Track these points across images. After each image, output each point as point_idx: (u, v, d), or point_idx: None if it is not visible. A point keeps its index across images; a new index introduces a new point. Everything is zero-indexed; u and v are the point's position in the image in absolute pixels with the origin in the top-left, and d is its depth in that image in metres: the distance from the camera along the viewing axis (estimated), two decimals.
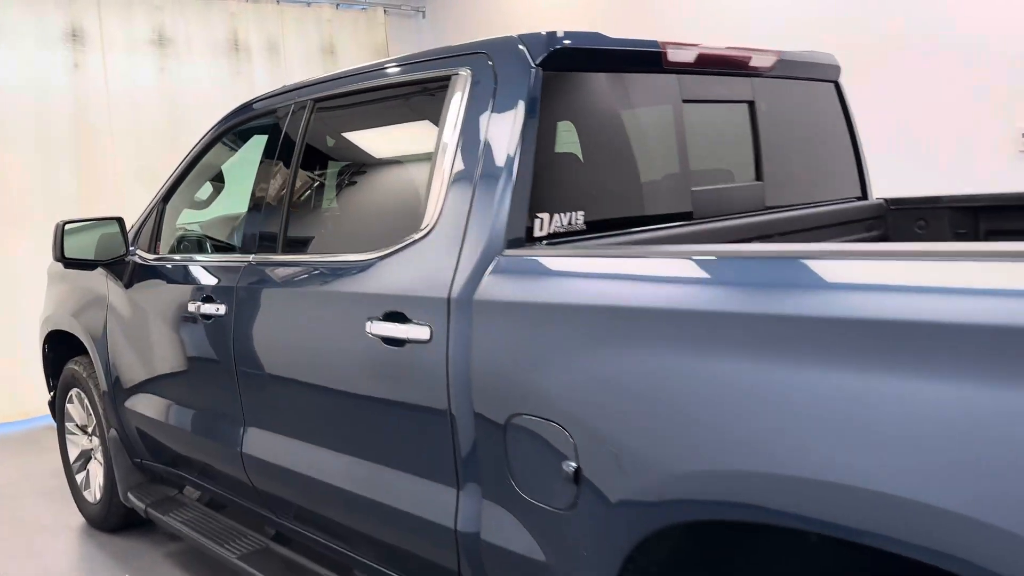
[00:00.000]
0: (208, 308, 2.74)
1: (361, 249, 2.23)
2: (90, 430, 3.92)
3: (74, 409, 3.98)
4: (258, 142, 2.91)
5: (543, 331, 1.68)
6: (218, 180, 3.35)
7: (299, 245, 2.55)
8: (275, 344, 2.45)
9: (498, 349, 1.78)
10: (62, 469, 4.21)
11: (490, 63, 2.04)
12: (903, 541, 1.15)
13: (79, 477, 4.02)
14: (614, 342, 1.53)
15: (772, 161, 2.57)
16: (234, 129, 3.06)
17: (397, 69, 2.32)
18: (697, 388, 1.40)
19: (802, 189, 2.71)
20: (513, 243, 1.88)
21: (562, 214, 1.98)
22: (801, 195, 2.70)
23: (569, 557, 1.67)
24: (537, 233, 1.93)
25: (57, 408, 4.12)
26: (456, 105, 2.08)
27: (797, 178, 2.69)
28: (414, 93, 2.33)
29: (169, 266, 3.12)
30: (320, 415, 2.32)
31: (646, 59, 2.18)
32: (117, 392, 3.43)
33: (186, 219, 3.34)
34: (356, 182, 2.54)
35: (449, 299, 1.90)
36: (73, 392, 3.94)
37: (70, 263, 3.21)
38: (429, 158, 2.16)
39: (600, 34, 2.08)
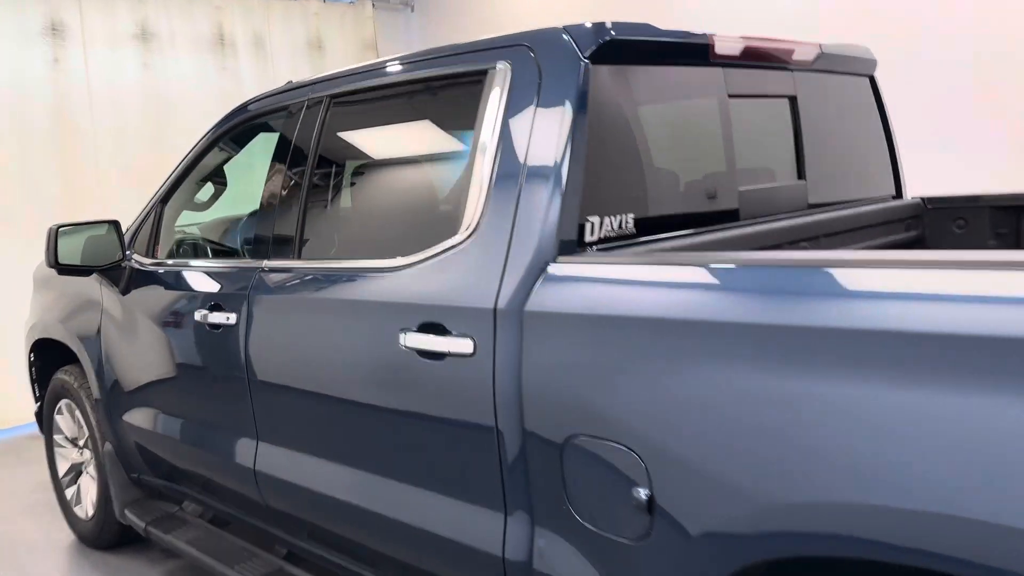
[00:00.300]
0: (216, 317, 2.57)
1: (389, 254, 2.08)
2: (81, 443, 3.73)
3: (63, 421, 3.79)
4: (266, 141, 2.75)
5: (609, 346, 1.54)
6: (220, 181, 3.18)
7: (317, 250, 2.39)
8: (293, 356, 2.30)
9: (554, 364, 1.64)
10: (48, 482, 4.01)
11: (533, 56, 1.90)
12: None
13: (69, 492, 3.83)
14: (695, 359, 1.40)
15: (812, 159, 2.46)
16: (239, 127, 2.89)
17: (424, 63, 2.18)
18: (800, 411, 1.27)
19: (840, 188, 2.60)
20: (565, 249, 1.75)
21: (612, 217, 1.85)
22: (839, 194, 2.59)
23: None
24: (588, 238, 1.80)
25: (44, 420, 3.92)
26: (495, 101, 1.93)
27: (835, 176, 2.58)
28: (443, 88, 2.18)
29: (170, 272, 2.95)
30: (346, 432, 2.17)
31: (694, 51, 2.06)
32: (113, 404, 3.25)
33: (186, 222, 3.17)
34: (379, 184, 2.39)
35: (495, 310, 1.76)
36: (62, 403, 3.75)
37: (64, 269, 3.02)
38: (462, 157, 2.02)
39: (648, 25, 1.95)
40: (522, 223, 1.79)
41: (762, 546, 1.33)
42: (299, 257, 2.40)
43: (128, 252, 3.15)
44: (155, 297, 2.96)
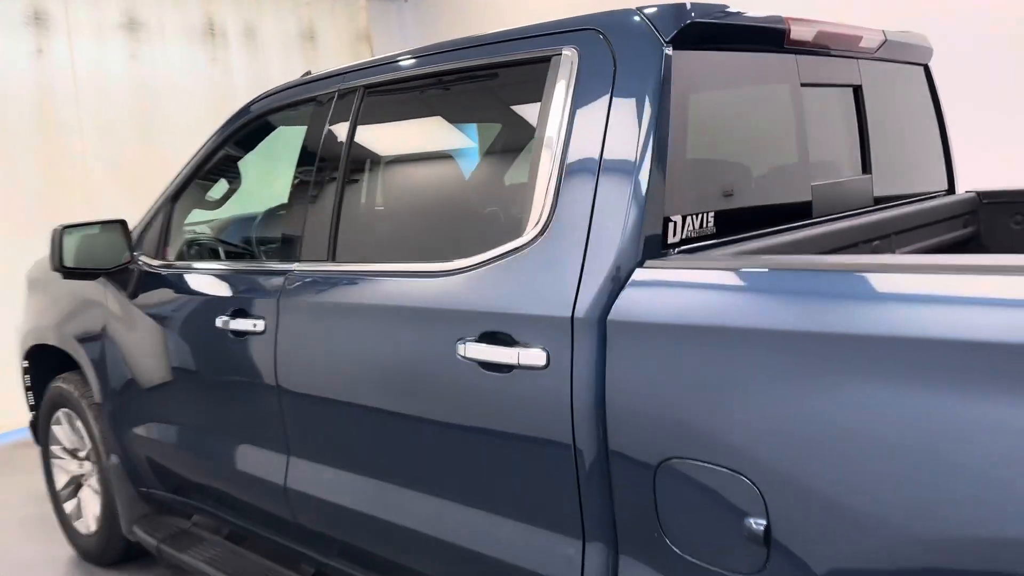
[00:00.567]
0: (241, 324, 2.40)
1: (440, 257, 1.92)
2: (82, 454, 3.53)
3: (61, 431, 3.59)
4: (289, 135, 2.57)
5: (718, 361, 1.40)
6: (235, 178, 2.99)
7: (355, 252, 2.22)
8: (331, 366, 2.13)
9: (646, 379, 1.50)
10: (43, 494, 3.80)
11: (605, 41, 1.74)
12: None
13: (68, 506, 3.62)
14: (830, 376, 1.26)
15: (876, 152, 2.33)
16: (256, 120, 2.70)
17: (474, 50, 2.01)
18: (959, 435, 1.13)
19: (900, 182, 2.47)
20: (650, 252, 1.60)
21: (693, 216, 1.70)
22: (900, 188, 2.46)
23: None
24: (671, 239, 1.65)
25: (40, 430, 3.72)
26: (561, 90, 1.78)
27: (896, 170, 2.45)
28: (496, 77, 2.02)
29: (184, 274, 2.77)
30: (392, 448, 2.01)
31: (769, 36, 1.92)
32: (121, 415, 3.06)
33: (199, 222, 2.98)
34: (424, 181, 2.22)
35: (573, 318, 1.61)
36: (60, 412, 3.55)
37: (70, 273, 2.82)
38: (521, 152, 1.87)
39: (722, 6, 1.81)
40: (600, 224, 1.64)
41: None
42: (334, 259, 2.22)
43: (136, 253, 2.95)
44: (168, 302, 2.78)
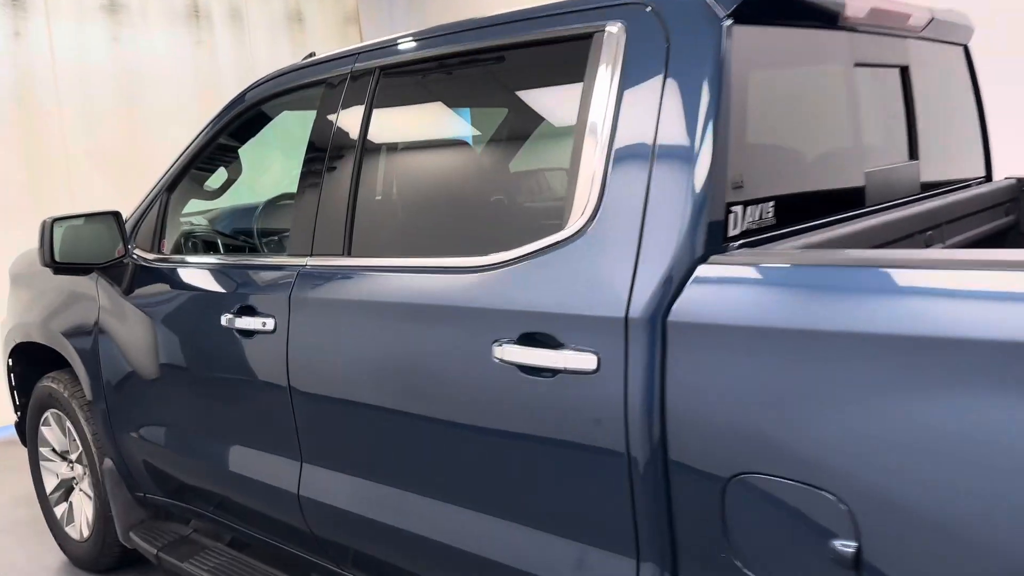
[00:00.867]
0: (248, 322, 2.24)
1: (473, 251, 1.78)
2: (73, 457, 3.36)
3: (50, 432, 3.41)
4: (294, 121, 2.41)
5: (798, 367, 1.27)
6: (236, 166, 2.82)
7: (374, 246, 2.07)
8: (350, 368, 1.99)
9: (714, 386, 1.37)
10: (30, 497, 3.64)
11: (655, 15, 1.60)
12: None
13: (59, 510, 3.46)
14: (936, 383, 1.14)
15: (923, 136, 2.20)
16: (259, 105, 2.54)
17: (506, 27, 1.86)
18: None
19: (943, 168, 2.36)
20: (712, 247, 1.47)
21: (754, 206, 1.57)
22: (945, 174, 2.34)
23: None
24: (731, 231, 1.52)
25: (28, 431, 3.54)
26: (606, 69, 1.64)
27: (940, 156, 2.33)
28: (531, 56, 1.87)
29: (184, 269, 2.61)
30: (421, 456, 1.87)
31: (826, 12, 1.78)
32: (115, 418, 2.89)
33: (197, 212, 2.81)
34: (452, 170, 2.07)
35: (627, 319, 1.48)
36: (49, 413, 3.37)
37: (61, 268, 2.65)
38: (561, 137, 1.72)
39: None
40: (655, 217, 1.50)
41: None
42: (350, 254, 2.07)
43: (130, 247, 2.79)
44: (166, 298, 2.61)
